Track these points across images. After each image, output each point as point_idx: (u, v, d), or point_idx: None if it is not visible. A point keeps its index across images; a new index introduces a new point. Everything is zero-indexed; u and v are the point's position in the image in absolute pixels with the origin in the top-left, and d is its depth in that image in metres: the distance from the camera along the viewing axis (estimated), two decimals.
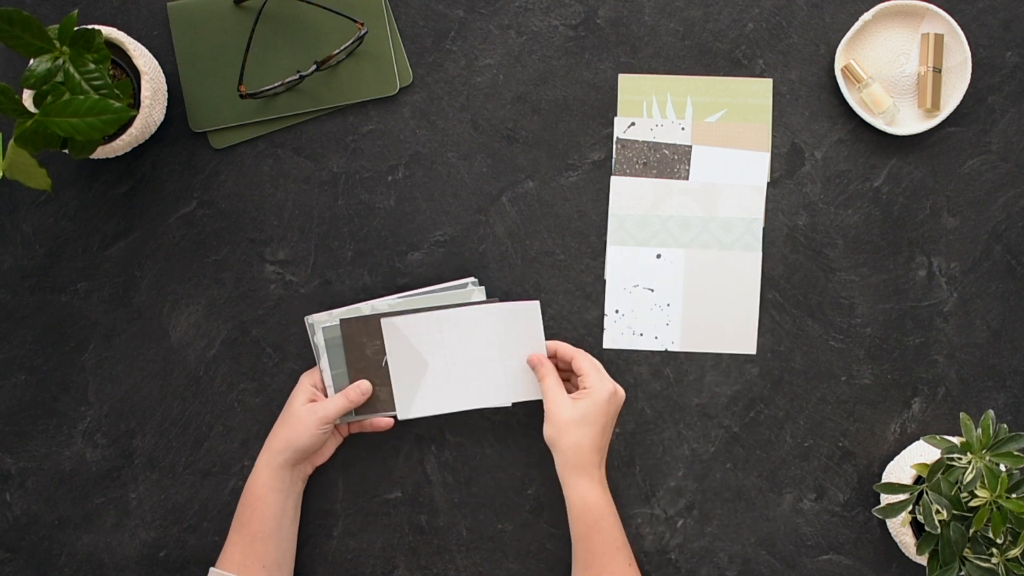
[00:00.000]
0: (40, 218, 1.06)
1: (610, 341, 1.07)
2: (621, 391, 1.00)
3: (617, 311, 1.07)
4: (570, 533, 0.98)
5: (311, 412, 0.98)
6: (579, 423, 0.96)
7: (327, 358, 1.01)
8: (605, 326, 1.07)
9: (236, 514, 0.99)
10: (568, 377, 1.03)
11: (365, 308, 1.02)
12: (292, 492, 1.00)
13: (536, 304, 1.02)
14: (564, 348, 1.02)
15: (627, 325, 1.07)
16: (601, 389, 0.97)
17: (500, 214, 1.07)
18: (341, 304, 1.04)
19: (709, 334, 1.07)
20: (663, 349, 1.07)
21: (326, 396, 1.02)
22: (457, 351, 1.02)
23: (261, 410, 1.06)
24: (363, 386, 1.01)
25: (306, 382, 1.02)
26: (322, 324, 1.01)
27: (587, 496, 0.96)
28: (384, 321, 1.00)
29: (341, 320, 1.00)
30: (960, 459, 0.90)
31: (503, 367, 1.02)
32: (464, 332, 1.01)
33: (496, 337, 1.02)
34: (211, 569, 0.98)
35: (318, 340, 1.01)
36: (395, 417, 1.02)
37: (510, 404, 1.03)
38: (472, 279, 1.04)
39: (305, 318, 1.02)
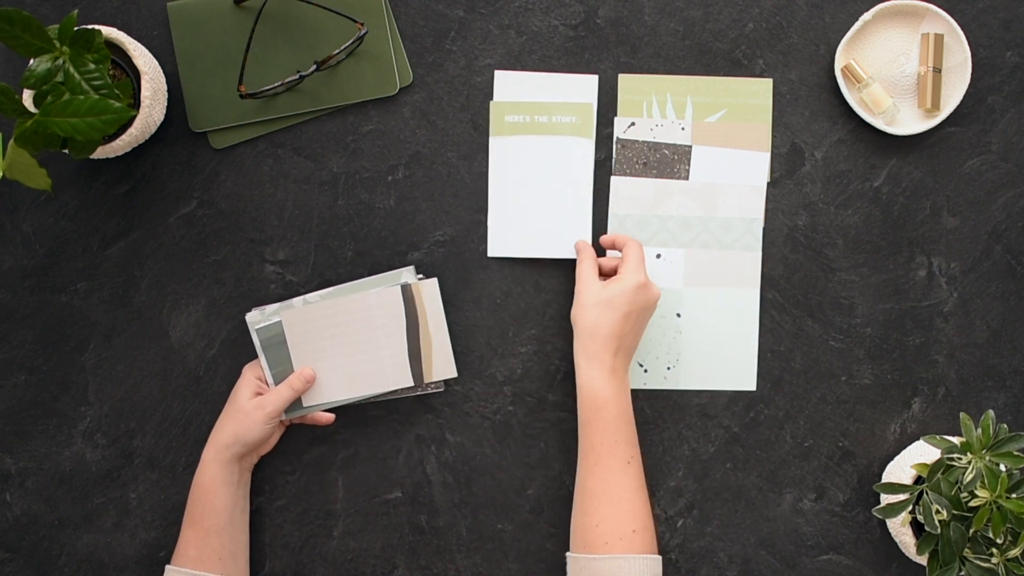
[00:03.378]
0: (40, 218, 1.06)
1: None
2: (655, 290, 0.99)
3: None
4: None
5: (258, 407, 0.99)
6: (601, 305, 0.96)
7: (265, 357, 1.02)
8: None
9: (187, 510, 0.99)
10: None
11: (297, 302, 1.02)
12: (241, 484, 1.01)
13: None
14: (621, 237, 1.03)
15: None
16: (632, 277, 0.97)
17: None
18: None
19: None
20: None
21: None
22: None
23: None
24: (306, 373, 1.01)
25: (250, 375, 1.02)
26: (256, 325, 1.01)
27: (594, 382, 0.96)
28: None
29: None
30: (960, 459, 0.90)
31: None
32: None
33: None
34: (167, 567, 0.98)
35: (255, 340, 1.02)
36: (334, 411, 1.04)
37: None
38: (410, 267, 1.04)
39: (246, 316, 1.02)
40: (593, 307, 0.96)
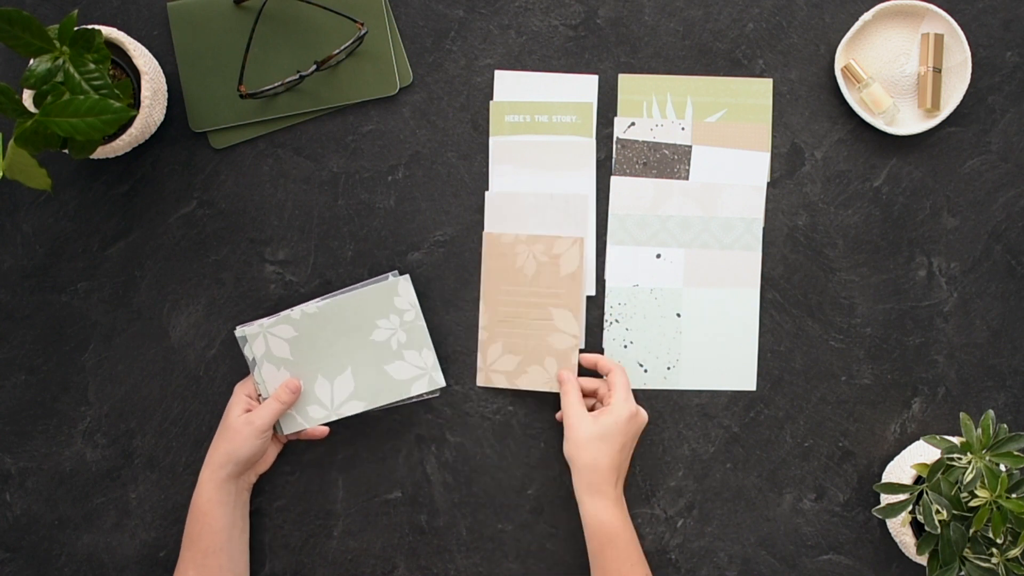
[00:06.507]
0: (40, 218, 1.06)
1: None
2: (643, 415, 1.00)
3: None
4: (587, 548, 0.99)
5: (247, 423, 0.98)
6: (598, 440, 0.97)
7: (257, 372, 1.02)
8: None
9: (185, 531, 0.99)
10: (592, 406, 1.03)
11: (295, 314, 1.02)
12: (238, 503, 1.00)
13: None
14: (605, 361, 1.03)
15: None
16: (623, 408, 0.98)
17: None
18: None
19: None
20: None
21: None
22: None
23: None
24: (292, 384, 1.01)
25: (240, 392, 1.02)
26: (247, 339, 1.01)
27: (601, 515, 0.97)
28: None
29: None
30: (960, 459, 0.90)
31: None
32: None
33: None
34: None
35: (246, 355, 1.01)
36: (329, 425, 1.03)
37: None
38: (394, 271, 1.04)
39: (235, 329, 1.02)
40: (589, 443, 0.97)
